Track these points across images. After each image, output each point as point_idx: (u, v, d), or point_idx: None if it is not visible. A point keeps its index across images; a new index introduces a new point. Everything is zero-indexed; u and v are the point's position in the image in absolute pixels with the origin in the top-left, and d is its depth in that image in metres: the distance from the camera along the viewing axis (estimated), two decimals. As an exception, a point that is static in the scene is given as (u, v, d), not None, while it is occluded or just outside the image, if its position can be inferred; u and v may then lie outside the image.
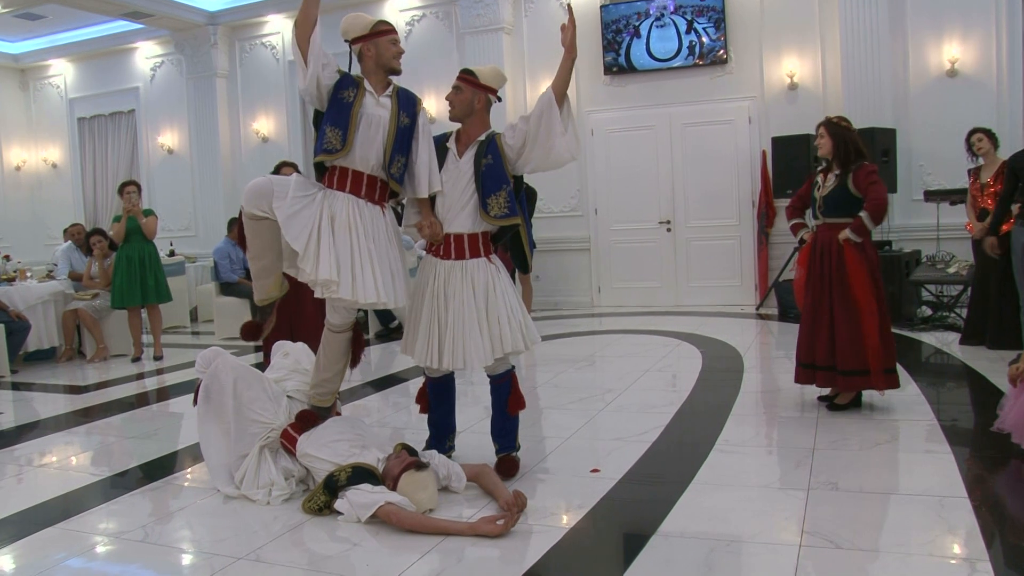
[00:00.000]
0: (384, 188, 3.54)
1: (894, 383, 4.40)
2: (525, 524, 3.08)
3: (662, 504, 3.24)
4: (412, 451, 3.50)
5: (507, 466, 3.68)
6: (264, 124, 11.22)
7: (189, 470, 4.09)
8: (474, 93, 3.58)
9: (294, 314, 5.99)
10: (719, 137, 8.97)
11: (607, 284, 9.68)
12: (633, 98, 9.23)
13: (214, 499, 3.59)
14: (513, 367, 3.77)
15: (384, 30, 3.55)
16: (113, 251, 7.78)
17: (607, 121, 9.40)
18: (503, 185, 3.51)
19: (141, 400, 6.04)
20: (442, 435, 3.89)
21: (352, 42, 3.55)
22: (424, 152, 3.57)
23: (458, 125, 3.67)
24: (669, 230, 9.29)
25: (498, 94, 3.64)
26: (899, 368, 4.51)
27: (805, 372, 4.53)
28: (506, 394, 3.71)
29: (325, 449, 3.47)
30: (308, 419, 3.66)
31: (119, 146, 12.40)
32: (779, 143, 8.14)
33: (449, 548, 2.91)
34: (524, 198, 3.68)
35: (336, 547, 3.02)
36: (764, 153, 8.66)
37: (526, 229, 3.66)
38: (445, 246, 3.60)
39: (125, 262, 7.43)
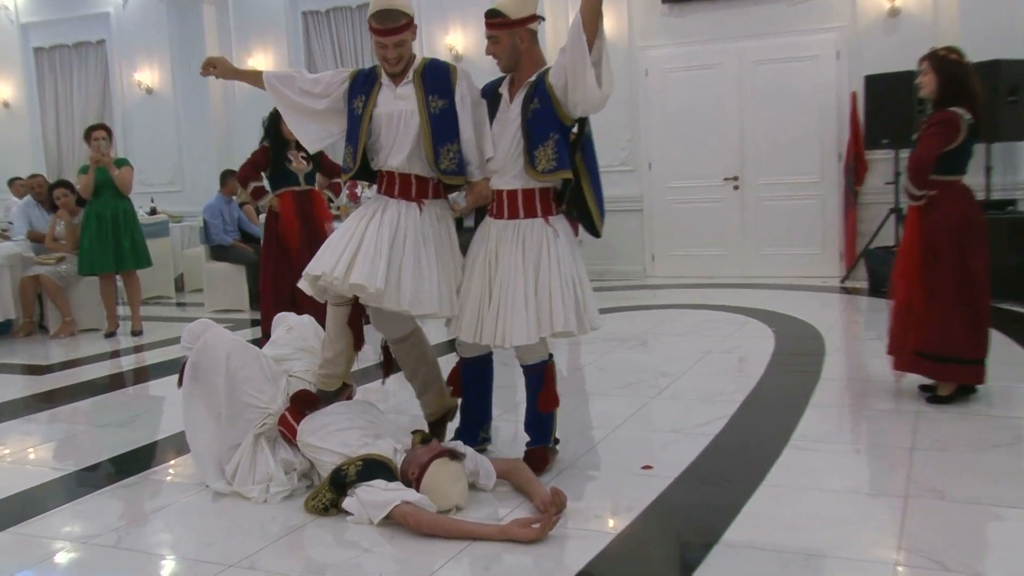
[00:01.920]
0: (434, 185, 3.71)
1: (952, 375, 4.34)
2: (564, 528, 3.08)
3: (726, 509, 3.23)
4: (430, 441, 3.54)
5: (535, 459, 3.69)
6: (262, 59, 11.19)
7: (172, 463, 4.15)
8: (511, 35, 3.54)
9: (284, 280, 6.09)
10: (799, 76, 8.83)
11: (662, 251, 9.63)
12: (695, 31, 9.08)
13: (201, 497, 3.64)
14: (551, 357, 3.76)
15: (373, 28, 3.57)
16: (81, 207, 7.81)
17: (664, 59, 9.27)
18: (551, 133, 3.50)
19: (115, 382, 6.14)
20: (473, 424, 3.92)
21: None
22: (467, 131, 3.63)
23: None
24: (736, 188, 9.19)
25: (537, 15, 3.59)
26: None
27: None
28: (537, 388, 3.73)
29: (331, 439, 3.48)
30: (305, 401, 3.70)
31: (87, 83, 12.33)
32: (874, 82, 7.97)
33: (476, 555, 2.93)
34: (590, 145, 3.65)
35: (343, 553, 3.04)
36: (854, 95, 8.50)
37: (591, 184, 3.63)
38: (497, 204, 3.65)
39: (95, 221, 7.45)
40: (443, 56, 10.06)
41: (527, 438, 3.80)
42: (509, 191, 3.60)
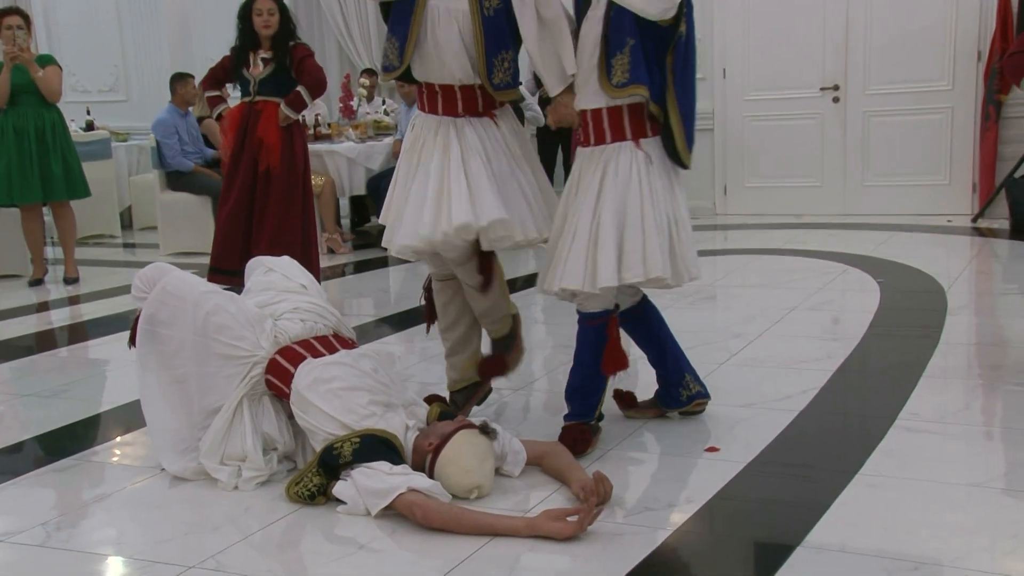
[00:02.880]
0: (477, 96, 3.90)
1: None
2: (608, 522, 3.13)
3: (812, 504, 3.27)
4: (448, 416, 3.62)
5: (572, 437, 3.80)
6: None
7: (118, 441, 4.23)
8: None
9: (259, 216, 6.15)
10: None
11: (737, 182, 9.66)
12: None
13: (155, 482, 3.70)
14: (617, 307, 3.85)
15: None
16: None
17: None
18: (627, 38, 3.56)
19: (44, 342, 6.24)
20: (673, 381, 4.10)
21: None
22: (530, 38, 3.73)
23: None
24: (837, 100, 9.15)
25: None
26: None
27: None
28: (600, 344, 3.81)
29: (333, 399, 3.47)
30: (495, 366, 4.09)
31: None
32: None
33: (496, 554, 2.98)
34: (682, 50, 3.65)
35: (333, 551, 3.12)
36: (1003, -29, 8.38)
37: (677, 101, 3.66)
38: (584, 127, 3.77)
39: (13, 136, 7.42)
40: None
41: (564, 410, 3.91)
42: (593, 111, 3.70)
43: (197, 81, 9.47)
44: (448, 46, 3.80)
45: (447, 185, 3.76)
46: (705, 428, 4.02)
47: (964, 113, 8.84)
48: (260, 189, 6.19)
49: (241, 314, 3.75)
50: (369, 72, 10.11)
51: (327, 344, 3.78)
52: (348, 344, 3.89)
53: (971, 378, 4.65)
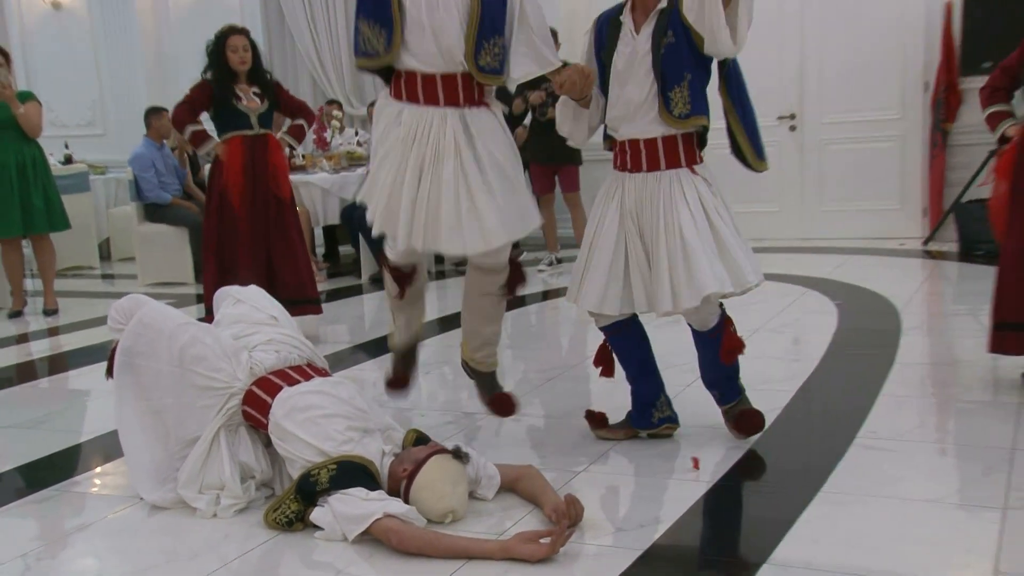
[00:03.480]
0: (475, 84, 3.78)
1: None
2: (579, 543, 3.13)
3: (777, 521, 3.27)
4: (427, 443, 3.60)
5: (747, 421, 4.01)
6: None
7: (97, 471, 4.20)
8: None
9: (228, 245, 6.11)
10: (875, -14, 8.83)
11: (701, 207, 9.65)
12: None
13: (134, 511, 3.67)
14: (723, 309, 4.00)
15: None
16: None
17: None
18: (685, 73, 3.67)
19: (23, 373, 6.19)
20: (643, 403, 4.10)
21: None
22: (534, 19, 3.77)
23: None
24: (793, 128, 9.22)
25: None
26: None
27: (1011, 337, 4.50)
28: (716, 347, 3.99)
29: (311, 426, 3.46)
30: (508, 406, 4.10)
31: None
32: (974, -9, 7.97)
33: (471, 577, 2.99)
34: (734, 74, 3.87)
35: (312, 575, 3.11)
36: (949, 7, 8.50)
37: (740, 119, 3.87)
38: (632, 155, 3.80)
39: (-5, 171, 7.38)
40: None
41: (715, 397, 4.13)
42: (647, 140, 3.77)
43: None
44: (449, 31, 3.68)
45: (479, 201, 3.68)
46: (673, 449, 4.03)
47: (913, 141, 8.92)
48: (275, 217, 6.23)
49: (217, 345, 3.72)
50: (337, 103, 10.10)
51: (303, 373, 3.75)
52: (322, 373, 3.86)
53: (925, 396, 4.67)
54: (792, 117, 9.20)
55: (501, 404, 4.15)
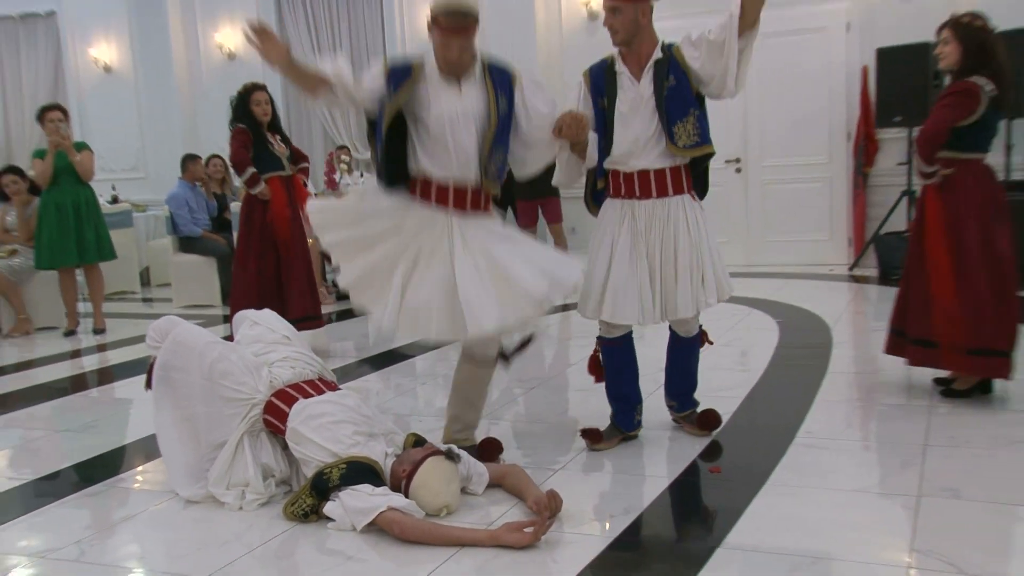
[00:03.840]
0: (481, 192, 3.74)
1: (981, 368, 4.34)
2: (559, 532, 3.12)
3: (728, 511, 3.27)
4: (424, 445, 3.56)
5: (710, 419, 4.10)
6: (230, 36, 11.16)
7: (140, 469, 4.16)
8: (635, 8, 3.69)
9: (269, 269, 6.08)
10: (806, 51, 8.85)
11: (660, 238, 9.65)
12: (698, 2, 9.09)
13: (171, 505, 3.65)
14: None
15: (442, 26, 3.54)
16: (35, 196, 7.74)
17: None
18: (690, 109, 3.71)
19: (77, 384, 6.13)
20: (628, 408, 4.06)
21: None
22: (525, 138, 3.77)
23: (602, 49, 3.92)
24: (739, 171, 9.23)
25: None
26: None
27: (895, 341, 4.59)
28: (694, 353, 4.14)
29: (323, 431, 3.45)
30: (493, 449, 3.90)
31: (37, 60, 12.21)
32: (886, 56, 8.01)
33: (465, 562, 2.96)
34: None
35: (325, 562, 3.07)
36: (865, 70, 8.56)
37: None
38: (642, 183, 3.78)
39: (55, 211, 7.37)
40: (423, 31, 10.07)
41: (673, 406, 4.20)
42: (656, 170, 3.77)
43: (204, 161, 9.53)
44: (468, 148, 3.63)
45: (469, 292, 3.53)
46: (640, 449, 4.01)
47: (839, 182, 8.94)
48: (303, 247, 6.30)
49: (241, 362, 3.71)
50: (345, 149, 10.08)
51: (314, 386, 3.73)
52: (332, 386, 3.83)
53: (852, 401, 4.66)
54: (738, 161, 9.22)
55: (485, 451, 3.91)
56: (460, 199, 3.68)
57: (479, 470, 3.52)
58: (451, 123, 3.60)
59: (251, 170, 6.09)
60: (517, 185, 8.08)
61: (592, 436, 4.02)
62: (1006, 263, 4.30)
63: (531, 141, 3.78)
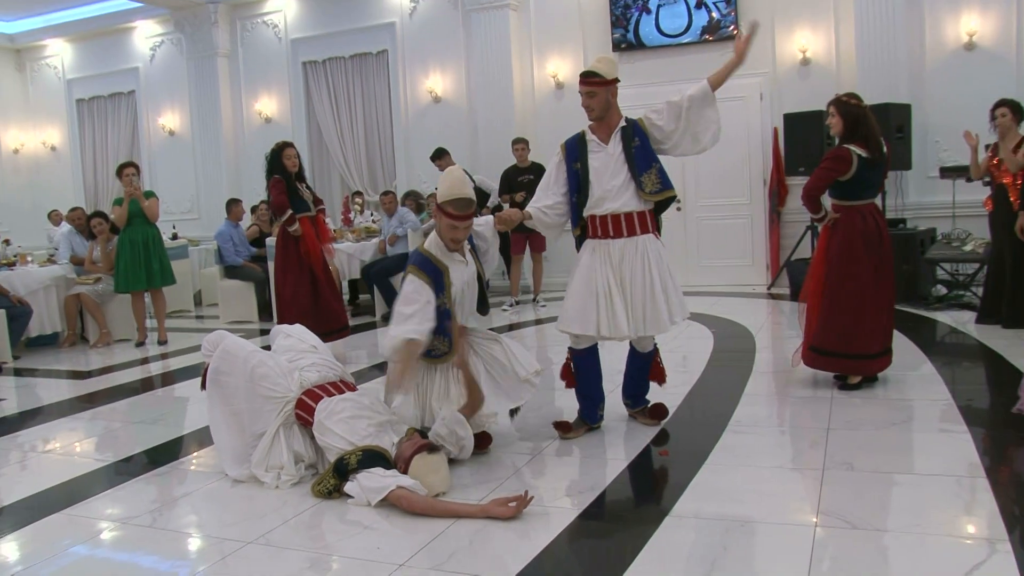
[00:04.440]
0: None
1: (856, 368, 4.45)
2: (537, 505, 3.09)
3: (675, 486, 3.25)
4: (423, 434, 3.51)
5: (660, 411, 4.09)
6: (267, 104, 11.18)
7: (195, 455, 4.11)
8: (607, 91, 3.79)
9: (305, 293, 6.06)
10: (730, 114, 8.79)
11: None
12: (642, 75, 9.13)
13: (222, 484, 3.61)
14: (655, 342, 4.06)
15: (450, 214, 3.56)
16: (115, 235, 7.76)
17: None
18: (652, 163, 3.77)
19: (146, 385, 6.07)
20: (592, 405, 4.03)
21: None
22: (485, 228, 3.87)
23: (573, 126, 4.01)
24: (679, 209, 9.23)
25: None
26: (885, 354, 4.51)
27: (811, 355, 4.60)
28: (648, 366, 4.06)
29: (342, 424, 3.43)
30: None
31: (119, 128, 12.39)
32: (791, 120, 8.07)
33: (460, 531, 2.93)
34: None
35: (346, 530, 3.04)
36: (776, 130, 8.60)
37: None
38: (615, 225, 3.79)
39: (128, 246, 7.40)
40: (425, 98, 10.13)
41: (627, 404, 4.18)
42: (626, 213, 3.79)
43: (246, 205, 9.50)
44: (472, 302, 3.78)
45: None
46: (602, 438, 3.98)
47: (758, 218, 8.96)
48: (329, 273, 6.31)
49: (277, 367, 3.69)
50: (359, 193, 10.06)
51: (336, 387, 3.70)
52: (351, 387, 3.81)
53: (771, 395, 4.65)
54: (679, 202, 9.22)
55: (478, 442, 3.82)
56: (463, 332, 3.77)
57: (460, 434, 3.49)
58: (464, 288, 3.70)
59: (290, 212, 6.06)
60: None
61: (563, 427, 3.99)
62: (888, 280, 4.43)
63: (491, 253, 3.93)
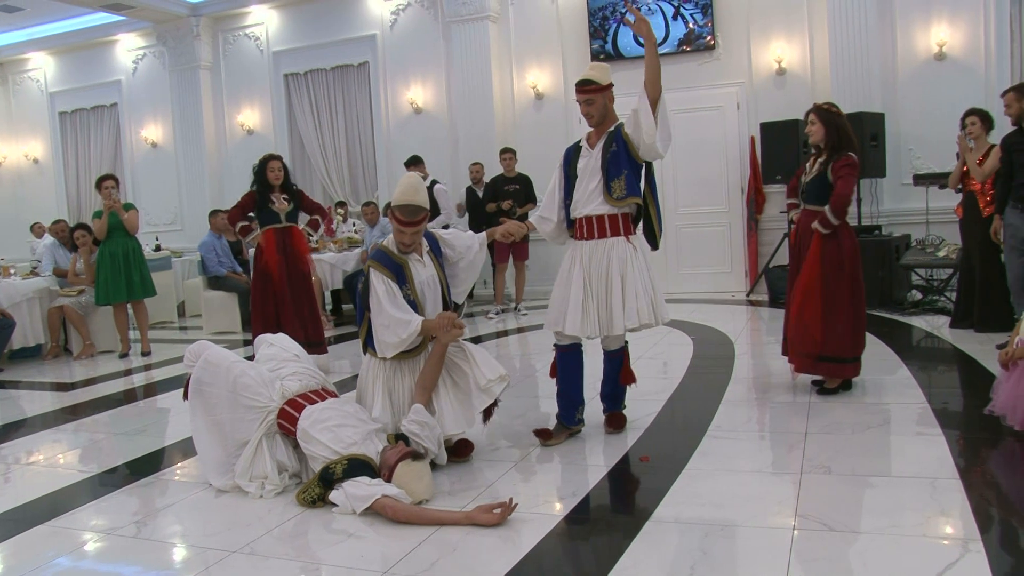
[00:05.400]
0: None
1: (839, 372, 4.47)
2: (520, 512, 3.09)
3: (655, 491, 3.26)
4: (407, 441, 3.50)
5: (616, 421, 4.09)
6: (249, 116, 11.16)
7: (179, 465, 4.08)
8: (603, 97, 3.86)
9: (270, 305, 6.02)
10: (708, 124, 8.98)
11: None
12: (620, 85, 8.94)
13: (205, 494, 3.59)
14: (626, 343, 4.06)
15: (398, 219, 3.62)
16: (97, 247, 7.70)
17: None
18: (623, 170, 3.79)
19: (129, 396, 6.02)
20: (571, 406, 4.01)
21: None
22: (465, 238, 3.93)
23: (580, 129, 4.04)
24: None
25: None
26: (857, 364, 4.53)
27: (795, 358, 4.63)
28: (619, 367, 4.03)
29: (327, 433, 3.42)
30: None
31: (102, 140, 12.34)
32: (767, 129, 8.16)
33: (445, 537, 2.92)
34: (651, 176, 3.91)
35: (331, 538, 3.02)
36: (753, 139, 8.68)
37: (655, 209, 3.90)
38: (587, 227, 3.87)
39: (108, 258, 7.37)
40: (406, 109, 10.15)
41: (603, 407, 4.16)
42: (597, 216, 3.84)
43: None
44: (435, 303, 3.77)
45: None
46: (583, 444, 3.99)
47: (736, 226, 9.02)
48: (299, 285, 6.13)
49: (259, 376, 3.68)
50: (342, 203, 10.04)
51: (319, 395, 3.70)
52: (332, 395, 3.80)
53: (751, 400, 4.67)
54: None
55: (460, 450, 3.86)
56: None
57: (436, 434, 3.52)
58: (424, 289, 3.73)
59: (240, 224, 6.15)
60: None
61: (543, 435, 4.00)
62: (861, 289, 4.48)
63: (463, 265, 3.92)
